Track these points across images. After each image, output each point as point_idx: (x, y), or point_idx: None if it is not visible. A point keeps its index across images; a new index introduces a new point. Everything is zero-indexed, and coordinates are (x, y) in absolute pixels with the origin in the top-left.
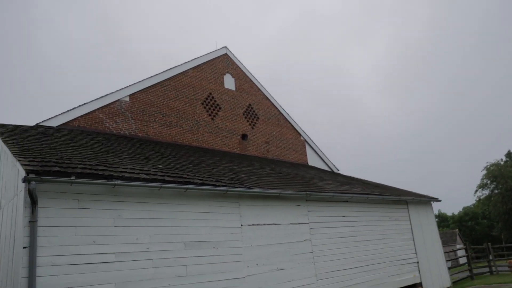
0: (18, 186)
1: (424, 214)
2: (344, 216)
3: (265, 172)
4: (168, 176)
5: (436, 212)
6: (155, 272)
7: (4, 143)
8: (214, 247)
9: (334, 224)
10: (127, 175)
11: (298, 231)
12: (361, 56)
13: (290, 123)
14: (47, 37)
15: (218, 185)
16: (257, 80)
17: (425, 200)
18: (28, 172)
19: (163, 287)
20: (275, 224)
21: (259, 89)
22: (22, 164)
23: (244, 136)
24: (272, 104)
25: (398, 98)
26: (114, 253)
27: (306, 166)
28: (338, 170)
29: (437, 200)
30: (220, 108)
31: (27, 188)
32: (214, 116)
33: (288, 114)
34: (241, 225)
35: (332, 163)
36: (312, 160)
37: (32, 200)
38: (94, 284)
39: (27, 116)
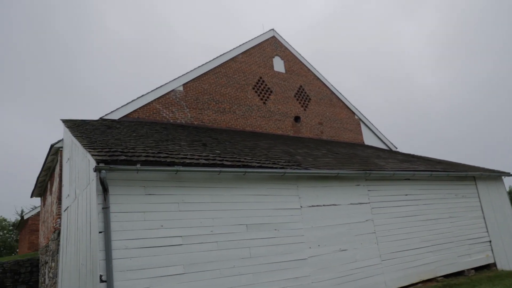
0: (90, 176)
1: (495, 190)
2: (406, 195)
3: (321, 153)
4: (226, 160)
5: (508, 188)
6: (220, 254)
7: (74, 136)
8: (275, 229)
9: (396, 203)
10: (187, 161)
11: (359, 211)
12: (413, 28)
13: (343, 102)
14: (98, 36)
15: (276, 168)
16: (306, 60)
17: (495, 175)
18: (98, 161)
19: (228, 268)
20: (335, 204)
21: (309, 69)
22: (92, 155)
23: (297, 118)
24: (324, 84)
25: (453, 70)
26: (181, 236)
27: (363, 145)
28: (397, 148)
29: (508, 174)
30: (271, 91)
31: (98, 177)
32: (266, 100)
33: (340, 93)
34: (301, 207)
35: (389, 141)
36: (368, 139)
37: (104, 188)
38: (164, 266)
39: (91, 110)
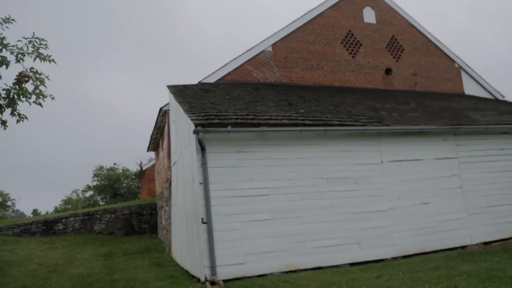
0: (190, 136)
1: None
2: (501, 149)
3: (409, 108)
4: (308, 120)
5: None
6: (302, 204)
7: (178, 102)
8: (355, 182)
9: (489, 158)
10: (272, 121)
11: (445, 166)
12: None
13: (441, 50)
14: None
15: (356, 125)
16: (400, 7)
17: None
18: (196, 125)
19: (309, 216)
20: (418, 159)
21: (402, 17)
22: (192, 119)
23: (388, 71)
24: (419, 31)
25: None
26: (267, 187)
27: (461, 96)
28: (504, 96)
29: None
30: (360, 44)
31: (197, 138)
32: (355, 53)
33: (438, 40)
34: (381, 162)
35: (495, 89)
36: (469, 88)
37: (202, 147)
38: (253, 213)
39: (191, 73)
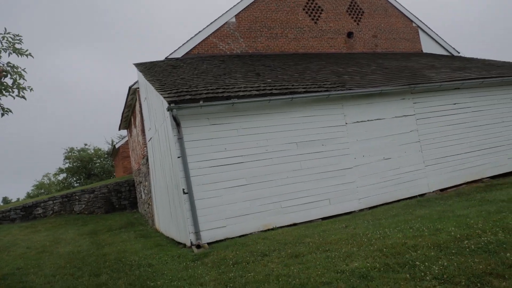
0: (164, 113)
1: None
2: (455, 104)
3: (370, 70)
4: (275, 89)
5: None
6: (275, 168)
7: (147, 80)
8: (322, 144)
9: (443, 113)
10: (241, 93)
11: (404, 123)
12: None
13: (400, 11)
14: None
15: (321, 91)
16: None
17: None
18: (169, 102)
19: (282, 178)
20: (379, 119)
21: None
22: (164, 97)
23: (349, 34)
24: None
25: None
26: (242, 155)
27: (419, 54)
28: (459, 52)
29: None
30: (322, 10)
31: (171, 115)
32: (317, 19)
33: (396, 1)
34: (346, 123)
35: (451, 46)
36: (427, 47)
37: (176, 123)
38: (230, 180)
39: (156, 48)
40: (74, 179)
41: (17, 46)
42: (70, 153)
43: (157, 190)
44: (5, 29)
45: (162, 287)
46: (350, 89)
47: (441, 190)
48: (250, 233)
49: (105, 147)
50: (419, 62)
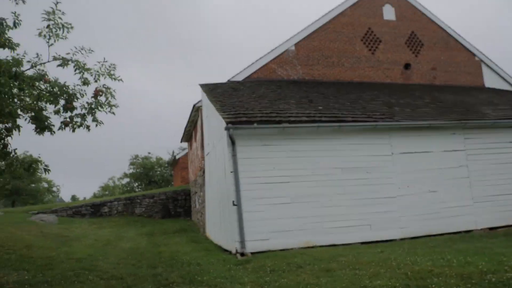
0: (222, 132)
1: None
2: (510, 142)
3: (423, 103)
4: (325, 116)
5: None
6: (319, 190)
7: (210, 100)
8: (367, 172)
9: (497, 150)
10: (292, 118)
11: (453, 158)
12: None
13: (462, 44)
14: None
15: (369, 121)
16: (420, 3)
17: None
18: (227, 123)
19: (325, 200)
20: (427, 151)
21: (422, 13)
22: (223, 117)
23: (407, 66)
24: (439, 27)
25: None
26: (289, 175)
27: (480, 89)
28: None
29: None
30: (380, 41)
31: (228, 134)
32: (374, 50)
33: (459, 34)
34: (392, 153)
35: None
36: (490, 81)
37: (232, 141)
38: (276, 197)
39: (217, 69)
40: (136, 184)
41: (112, 72)
42: (134, 160)
43: (209, 200)
44: (104, 58)
45: (207, 281)
46: (398, 121)
47: (490, 228)
48: (291, 248)
49: (166, 157)
50: (477, 97)
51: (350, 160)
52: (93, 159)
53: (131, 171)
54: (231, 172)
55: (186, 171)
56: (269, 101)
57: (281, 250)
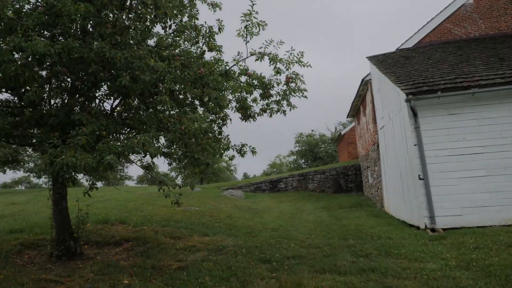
0: (401, 104)
1: None
2: None
3: None
4: None
5: None
6: None
7: (382, 73)
8: None
9: None
10: (483, 82)
11: None
12: None
13: None
14: None
15: None
16: None
17: None
18: (407, 94)
19: None
20: None
21: None
22: (401, 89)
23: None
24: None
25: None
26: (481, 146)
27: None
28: None
29: None
30: None
31: (408, 105)
32: None
33: None
34: None
35: None
36: None
37: (414, 113)
38: (468, 169)
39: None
40: (302, 161)
41: (301, 59)
42: (299, 138)
43: (387, 174)
44: (291, 47)
45: (405, 255)
46: None
47: None
48: (490, 226)
49: (327, 133)
50: None
51: None
52: (261, 138)
53: (296, 148)
54: (415, 145)
55: (352, 146)
56: (449, 65)
57: (477, 227)
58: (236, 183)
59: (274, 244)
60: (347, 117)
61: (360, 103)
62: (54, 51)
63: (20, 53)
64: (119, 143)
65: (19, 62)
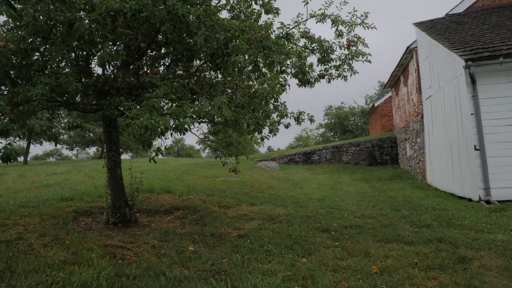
0: (456, 71)
1: None
2: None
3: None
4: None
5: None
6: None
7: (433, 38)
8: None
9: None
10: None
11: None
12: None
13: None
14: None
15: None
16: None
17: None
18: (466, 60)
19: None
20: None
21: None
22: (459, 55)
23: None
24: None
25: None
26: None
27: None
28: None
29: None
30: None
31: (467, 72)
32: None
33: None
34: None
35: None
36: None
37: (472, 80)
38: None
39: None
40: (331, 133)
41: (365, 21)
42: (328, 110)
43: (432, 146)
44: (354, 8)
45: (469, 226)
46: None
47: None
48: None
49: (355, 106)
50: None
51: None
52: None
53: (325, 121)
54: (472, 114)
55: (386, 118)
56: (509, 30)
57: None
58: (269, 155)
59: (325, 214)
60: (383, 88)
61: (400, 73)
62: (129, 7)
63: (91, 12)
64: (193, 106)
65: (90, 19)
